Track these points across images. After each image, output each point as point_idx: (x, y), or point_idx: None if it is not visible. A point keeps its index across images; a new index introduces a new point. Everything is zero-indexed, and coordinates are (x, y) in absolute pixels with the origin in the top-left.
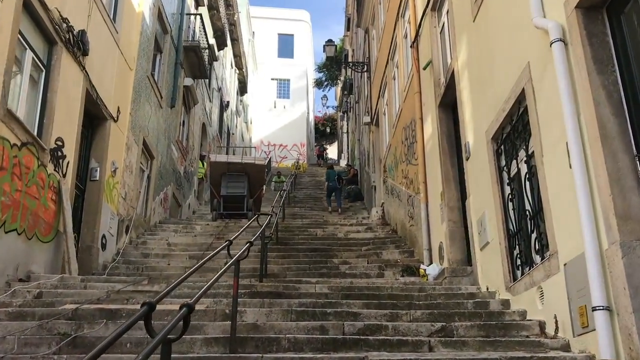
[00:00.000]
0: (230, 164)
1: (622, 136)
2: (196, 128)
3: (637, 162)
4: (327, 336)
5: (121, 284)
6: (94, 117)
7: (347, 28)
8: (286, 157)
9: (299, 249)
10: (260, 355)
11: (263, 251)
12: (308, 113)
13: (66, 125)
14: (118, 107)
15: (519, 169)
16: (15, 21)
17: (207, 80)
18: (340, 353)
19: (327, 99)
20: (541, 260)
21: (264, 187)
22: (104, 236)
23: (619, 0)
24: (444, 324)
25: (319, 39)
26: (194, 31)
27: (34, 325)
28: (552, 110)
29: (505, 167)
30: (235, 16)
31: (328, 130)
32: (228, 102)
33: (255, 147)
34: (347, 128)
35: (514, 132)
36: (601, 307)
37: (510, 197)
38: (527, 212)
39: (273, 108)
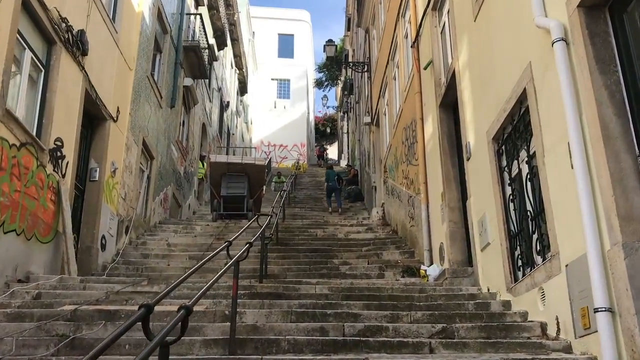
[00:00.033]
0: (230, 165)
1: (625, 136)
2: (196, 128)
3: None
4: (327, 337)
5: (120, 284)
6: (94, 117)
7: (348, 28)
8: (286, 158)
9: (299, 249)
10: (260, 356)
11: (263, 252)
12: (308, 113)
13: (65, 126)
14: (118, 107)
15: (520, 170)
16: (14, 21)
17: (207, 80)
18: (340, 355)
19: (328, 99)
20: (542, 261)
21: (264, 187)
22: (103, 237)
23: None
24: (444, 325)
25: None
26: (193, 31)
27: (33, 327)
28: (553, 111)
29: (506, 168)
30: (235, 16)
31: (328, 130)
32: (228, 102)
33: (255, 148)
34: (348, 128)
35: (515, 132)
36: (603, 309)
37: (511, 197)
38: (529, 213)
39: (273, 108)
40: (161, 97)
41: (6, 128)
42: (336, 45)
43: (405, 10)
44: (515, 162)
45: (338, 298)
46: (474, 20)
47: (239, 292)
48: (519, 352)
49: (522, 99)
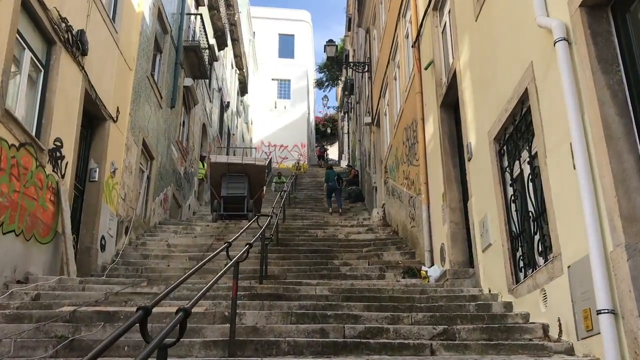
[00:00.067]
0: (230, 165)
1: (627, 136)
2: (196, 128)
3: None
4: (327, 339)
5: (120, 285)
6: (93, 117)
7: (348, 28)
8: (287, 158)
9: (300, 250)
10: (260, 358)
11: (263, 253)
12: (309, 113)
13: (65, 126)
14: (117, 108)
15: (521, 170)
16: (14, 21)
17: (208, 80)
18: (340, 357)
19: (328, 100)
20: (544, 262)
21: (265, 188)
22: (103, 237)
23: None
24: (446, 326)
25: (320, 39)
26: (194, 31)
27: (31, 328)
28: (555, 111)
29: (507, 168)
30: (236, 16)
31: (329, 130)
32: (228, 102)
33: (255, 148)
34: (348, 128)
35: (517, 132)
36: (606, 311)
37: (512, 198)
38: (530, 214)
39: (274, 108)
40: (161, 97)
41: (5, 128)
42: (337, 46)
43: (406, 10)
44: (517, 162)
45: (338, 299)
46: (475, 20)
47: (239, 293)
48: (521, 354)
49: (524, 99)
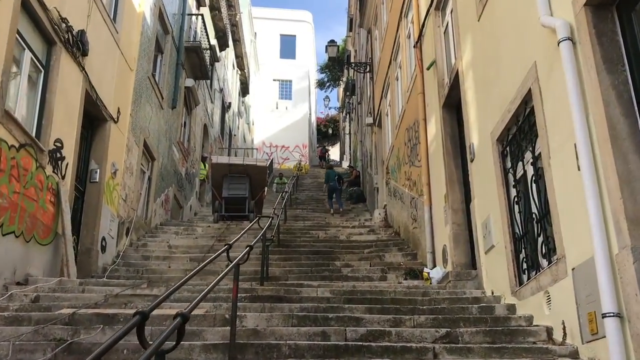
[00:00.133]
0: (231, 166)
1: (633, 137)
2: (198, 129)
3: None
4: (329, 342)
5: (120, 287)
6: (94, 118)
7: (350, 28)
8: (288, 159)
9: (301, 251)
10: None
11: (264, 254)
12: (310, 114)
13: (65, 127)
14: (118, 108)
15: (525, 171)
16: (14, 21)
17: (209, 81)
18: None
19: (330, 100)
20: (548, 264)
21: (266, 188)
22: (103, 238)
23: None
24: (448, 329)
25: (321, 39)
26: (195, 32)
27: (30, 331)
28: (559, 111)
29: (511, 169)
30: (237, 17)
31: (330, 131)
32: (230, 103)
33: (257, 149)
34: (350, 129)
35: (520, 133)
36: (612, 314)
37: (516, 199)
38: (534, 215)
39: (275, 109)
40: (162, 98)
41: (5, 129)
42: (338, 46)
43: (408, 10)
44: (520, 163)
45: (340, 301)
46: (478, 20)
47: (239, 295)
48: (525, 357)
49: (527, 99)
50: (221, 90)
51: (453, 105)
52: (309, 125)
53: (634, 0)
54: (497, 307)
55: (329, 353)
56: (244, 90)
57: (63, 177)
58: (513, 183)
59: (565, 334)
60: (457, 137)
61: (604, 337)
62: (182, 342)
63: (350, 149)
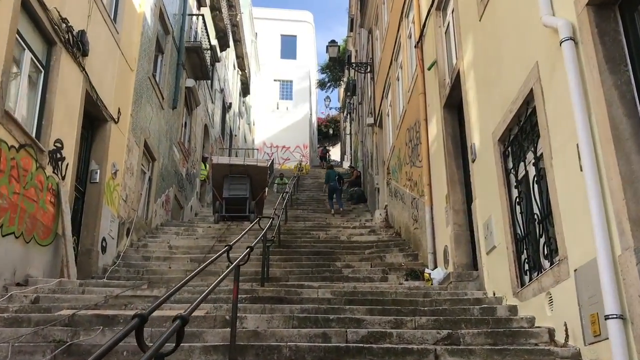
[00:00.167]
0: (232, 166)
1: (636, 137)
2: (198, 129)
3: None
4: (329, 344)
5: (120, 288)
6: (94, 118)
7: (351, 29)
8: (289, 159)
9: (302, 252)
10: None
11: (265, 255)
12: (311, 114)
13: (65, 127)
14: (119, 109)
15: (527, 172)
16: (14, 21)
17: (210, 81)
18: None
19: (330, 100)
20: (550, 265)
21: (267, 189)
22: (104, 239)
23: None
24: (450, 331)
25: (322, 40)
26: (196, 32)
27: (29, 332)
28: (561, 111)
29: (512, 170)
30: (238, 17)
31: (331, 131)
32: (230, 103)
33: (257, 149)
34: (350, 130)
35: (522, 133)
36: (614, 316)
37: (517, 200)
38: (536, 216)
39: (276, 109)
40: (163, 98)
41: (5, 129)
42: (339, 46)
43: (409, 10)
44: (522, 163)
45: (341, 302)
46: (479, 20)
47: (240, 296)
48: (527, 359)
49: (529, 99)
50: (222, 90)
51: (454, 105)
52: (310, 125)
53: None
54: (498, 308)
55: (330, 355)
56: (245, 90)
57: (63, 178)
58: (515, 183)
59: (567, 336)
60: (459, 137)
61: (607, 338)
62: (182, 344)
63: (351, 150)
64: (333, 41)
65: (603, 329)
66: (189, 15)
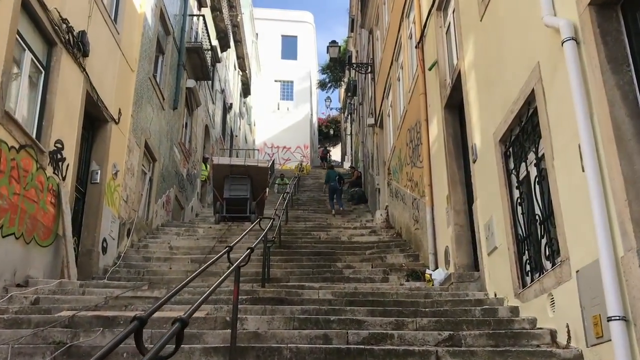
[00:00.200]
0: (233, 167)
1: (638, 138)
2: (199, 130)
3: None
4: (330, 346)
5: (120, 289)
6: (95, 119)
7: (351, 29)
8: (290, 160)
9: (302, 252)
10: None
11: (265, 255)
12: (311, 115)
13: (66, 128)
14: (119, 109)
15: (528, 172)
16: (14, 21)
17: (210, 82)
18: None
19: (331, 101)
20: (552, 266)
21: (267, 189)
22: (104, 240)
23: None
24: (451, 332)
25: (323, 40)
26: (196, 32)
27: (29, 334)
28: (563, 112)
29: (513, 170)
30: (239, 17)
31: (332, 132)
32: (231, 104)
33: (258, 150)
34: (351, 130)
35: (523, 134)
36: (617, 317)
37: (519, 201)
38: (537, 217)
39: (276, 110)
40: (163, 99)
41: (5, 130)
42: (340, 47)
43: (410, 10)
44: (523, 164)
45: (342, 303)
46: (480, 20)
47: (240, 297)
48: None
49: (530, 100)
50: (222, 91)
51: (455, 105)
52: (311, 126)
53: None
54: (500, 309)
55: (331, 356)
56: (246, 91)
57: (64, 178)
58: (516, 184)
59: (569, 337)
60: (459, 137)
61: (609, 340)
62: (182, 345)
63: (351, 150)
64: (334, 41)
65: (605, 331)
66: (190, 15)
